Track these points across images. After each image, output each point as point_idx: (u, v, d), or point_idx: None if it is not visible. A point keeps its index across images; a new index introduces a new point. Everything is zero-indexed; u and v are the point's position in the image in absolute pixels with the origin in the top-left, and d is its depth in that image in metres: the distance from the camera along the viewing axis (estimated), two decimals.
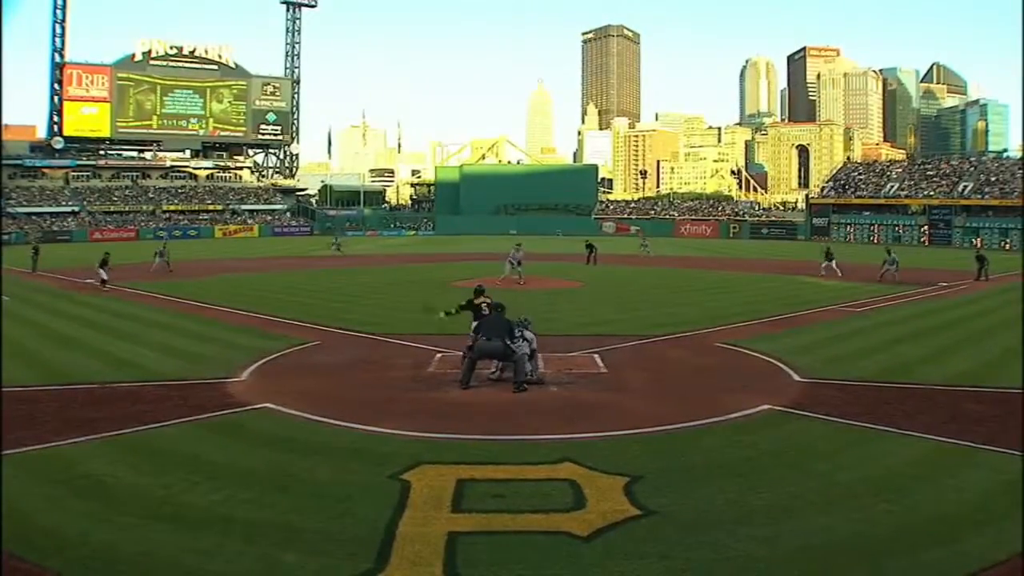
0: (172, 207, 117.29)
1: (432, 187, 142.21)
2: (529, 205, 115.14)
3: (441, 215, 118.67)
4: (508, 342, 15.11)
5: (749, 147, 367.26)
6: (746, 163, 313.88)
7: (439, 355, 17.83)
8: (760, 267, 47.13)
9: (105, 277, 35.25)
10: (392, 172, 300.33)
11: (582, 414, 13.25)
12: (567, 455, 10.93)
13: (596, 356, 18.04)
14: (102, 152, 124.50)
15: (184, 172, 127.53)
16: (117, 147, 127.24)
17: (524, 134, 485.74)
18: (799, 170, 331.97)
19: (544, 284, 34.79)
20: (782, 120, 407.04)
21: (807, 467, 10.65)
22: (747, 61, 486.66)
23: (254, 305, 27.40)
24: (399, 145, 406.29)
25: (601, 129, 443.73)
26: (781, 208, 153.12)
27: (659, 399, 14.37)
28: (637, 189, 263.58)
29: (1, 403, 12.80)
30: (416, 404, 13.83)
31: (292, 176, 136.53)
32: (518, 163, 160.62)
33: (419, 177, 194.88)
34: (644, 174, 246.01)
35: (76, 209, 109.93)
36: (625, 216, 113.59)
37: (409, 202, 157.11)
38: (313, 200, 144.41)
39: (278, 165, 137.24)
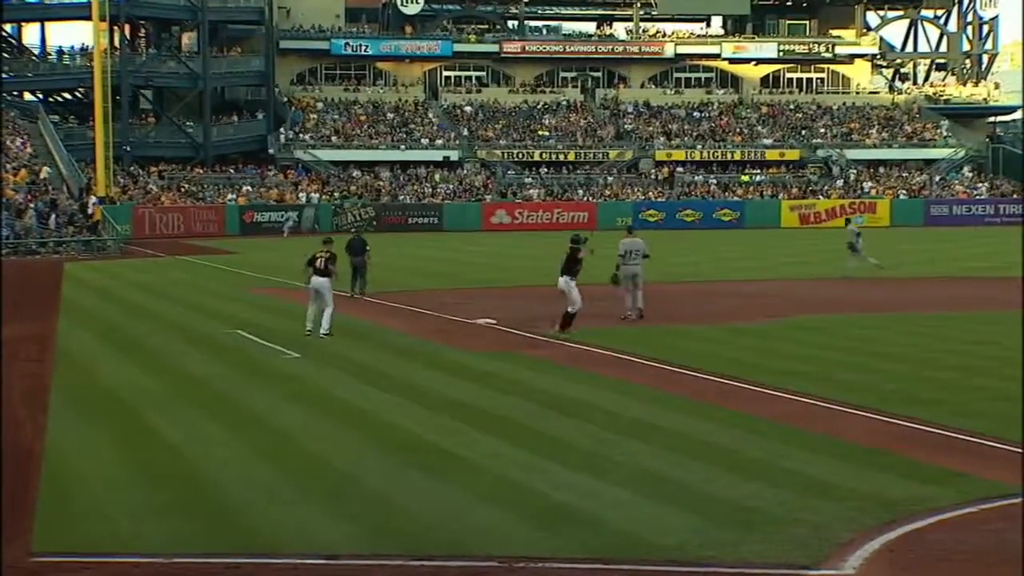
0: (674, 154, 79.83)
1: None
2: None
3: None
4: None
5: None
6: None
7: None
8: None
9: (574, 307, 25.10)
10: None
11: None
12: None
13: None
14: (511, 25, 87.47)
15: (708, 68, 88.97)
16: (547, 12, 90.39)
17: None
18: None
19: None
20: None
21: None
22: None
23: (874, 393, 17.47)
24: None
25: None
26: None
27: None
28: None
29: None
30: None
31: (981, 78, 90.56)
32: None
33: None
34: None
35: (455, 155, 77.38)
36: None
37: None
38: None
39: (944, 53, 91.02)
